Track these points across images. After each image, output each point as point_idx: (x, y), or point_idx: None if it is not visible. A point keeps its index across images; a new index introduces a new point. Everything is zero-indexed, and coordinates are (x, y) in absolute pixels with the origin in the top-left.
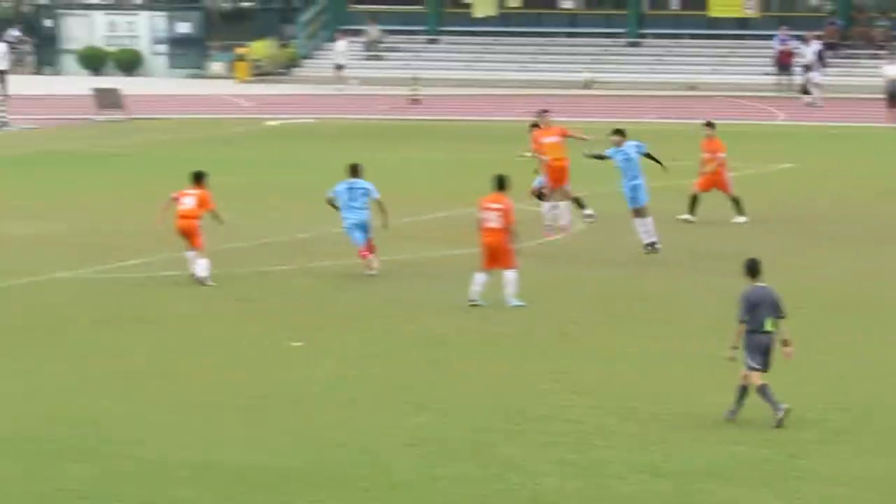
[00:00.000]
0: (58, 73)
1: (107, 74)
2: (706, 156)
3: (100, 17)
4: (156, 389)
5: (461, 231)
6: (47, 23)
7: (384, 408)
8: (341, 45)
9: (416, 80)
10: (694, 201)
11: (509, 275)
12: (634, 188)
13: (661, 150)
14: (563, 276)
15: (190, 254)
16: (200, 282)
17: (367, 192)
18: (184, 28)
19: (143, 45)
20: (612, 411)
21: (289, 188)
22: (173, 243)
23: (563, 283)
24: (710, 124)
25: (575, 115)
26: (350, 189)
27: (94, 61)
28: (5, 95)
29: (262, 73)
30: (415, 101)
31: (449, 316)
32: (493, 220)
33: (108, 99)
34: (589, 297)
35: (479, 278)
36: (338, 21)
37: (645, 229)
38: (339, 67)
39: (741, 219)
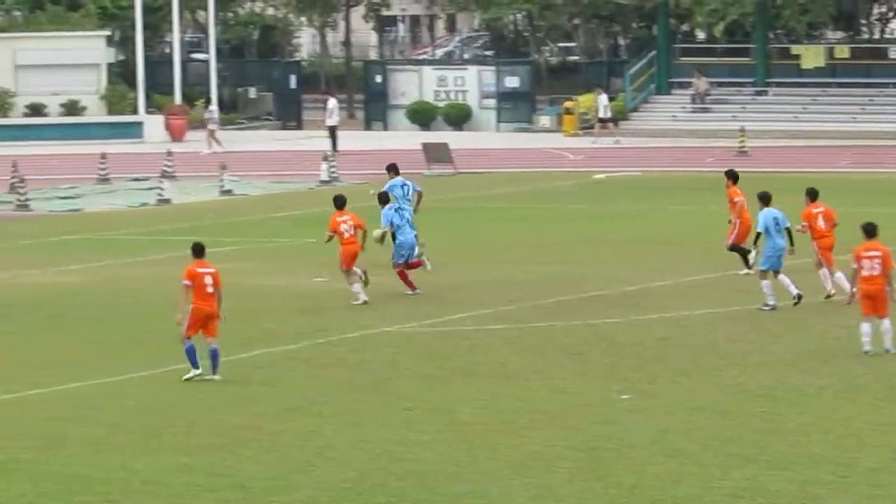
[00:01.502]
0: (387, 129)
1: (436, 129)
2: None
3: (429, 73)
4: (484, 442)
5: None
6: (377, 79)
7: (711, 460)
8: (602, 99)
9: (743, 132)
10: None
11: (887, 323)
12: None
13: None
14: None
15: (356, 287)
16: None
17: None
18: (512, 82)
19: (471, 100)
20: None
21: (616, 241)
22: (501, 298)
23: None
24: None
25: None
26: (398, 210)
27: (423, 116)
28: (335, 151)
29: (589, 126)
30: (742, 153)
31: (775, 368)
32: (872, 268)
33: (437, 153)
34: None
35: (865, 328)
36: (667, 74)
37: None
38: (602, 121)
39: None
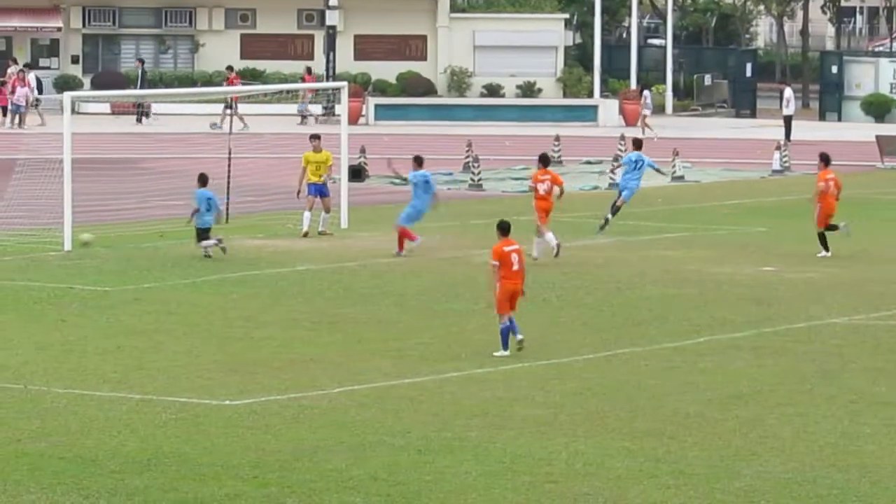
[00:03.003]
0: (841, 120)
1: (890, 122)
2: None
3: (886, 65)
4: None
5: None
6: (832, 70)
7: None
8: None
9: None
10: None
11: None
12: None
13: None
14: None
15: (546, 236)
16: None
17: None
18: None
19: None
20: None
21: None
22: None
23: None
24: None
25: None
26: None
27: (878, 108)
28: (788, 141)
29: None
30: None
31: None
32: None
33: (891, 146)
34: None
35: None
36: None
37: None
38: None
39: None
